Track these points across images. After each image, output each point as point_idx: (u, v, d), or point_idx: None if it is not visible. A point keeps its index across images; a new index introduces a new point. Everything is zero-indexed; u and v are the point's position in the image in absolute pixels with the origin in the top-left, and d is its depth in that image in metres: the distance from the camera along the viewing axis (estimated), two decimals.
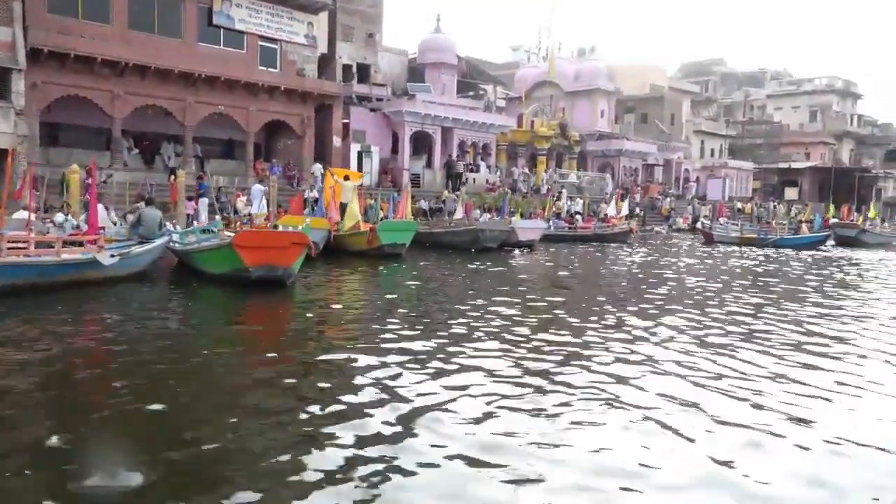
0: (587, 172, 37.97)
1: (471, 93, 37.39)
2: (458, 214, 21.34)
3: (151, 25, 21.09)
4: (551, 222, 23.41)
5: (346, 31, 31.78)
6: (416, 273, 13.93)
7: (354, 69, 32.09)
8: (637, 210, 34.77)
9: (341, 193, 17.86)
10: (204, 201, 19.21)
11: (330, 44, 30.45)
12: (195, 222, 17.11)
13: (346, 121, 27.85)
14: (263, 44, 23.55)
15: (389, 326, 7.77)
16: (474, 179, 30.51)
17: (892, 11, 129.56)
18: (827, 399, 5.14)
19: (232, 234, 9.72)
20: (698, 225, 31.93)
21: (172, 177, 19.07)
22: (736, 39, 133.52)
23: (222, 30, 22.47)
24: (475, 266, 14.67)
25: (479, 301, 9.50)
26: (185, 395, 4.98)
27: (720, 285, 12.40)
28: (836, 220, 31.30)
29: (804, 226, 26.54)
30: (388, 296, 10.89)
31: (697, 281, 13.01)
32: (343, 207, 17.32)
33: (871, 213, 33.57)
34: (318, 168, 24.09)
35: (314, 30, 24.91)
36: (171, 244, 11.40)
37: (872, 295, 11.74)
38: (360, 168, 28.22)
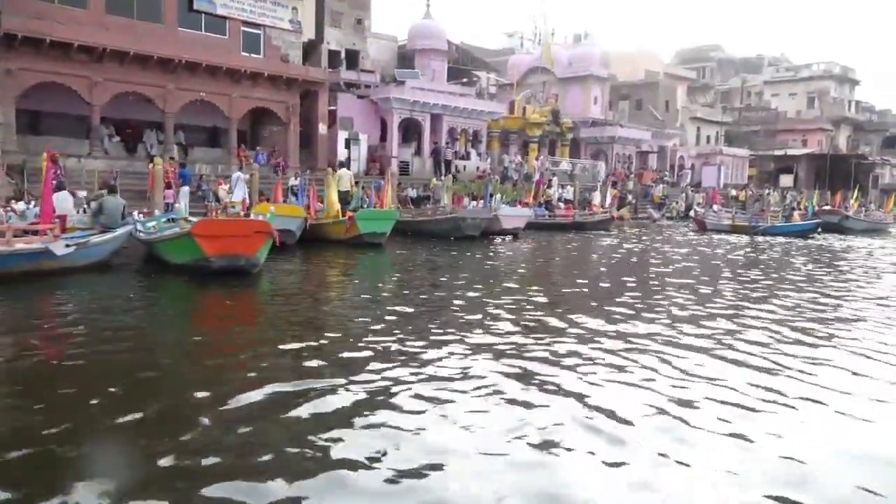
0: (579, 160, 37.63)
1: (464, 79, 36.97)
2: (445, 202, 21.02)
3: (130, 10, 20.68)
4: (533, 210, 23.08)
5: (335, 17, 31.34)
6: (392, 262, 13.72)
7: (343, 55, 31.68)
8: (630, 198, 34.48)
9: (338, 182, 17.63)
10: (185, 190, 18.95)
11: (318, 30, 30.02)
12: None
13: (332, 108, 27.49)
14: (246, 29, 23.13)
15: (353, 316, 7.58)
16: (465, 167, 30.20)
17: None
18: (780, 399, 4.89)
19: (192, 223, 9.44)
20: (691, 213, 31.61)
21: (150, 164, 18.75)
22: (733, 25, 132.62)
23: (203, 15, 22.05)
24: (454, 255, 14.42)
25: (448, 292, 9.25)
26: (130, 390, 4.72)
27: (688, 279, 12.14)
28: (827, 207, 31.43)
29: (796, 213, 26.24)
30: (358, 285, 10.68)
31: (667, 271, 12.75)
32: (342, 196, 17.12)
33: (852, 201, 33.52)
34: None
35: (299, 15, 24.48)
36: (137, 233, 11.11)
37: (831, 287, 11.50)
38: (347, 156, 27.95)
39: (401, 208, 21.90)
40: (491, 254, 14.81)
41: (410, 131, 30.48)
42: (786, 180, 49.17)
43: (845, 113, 60.71)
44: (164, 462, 3.47)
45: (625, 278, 11.39)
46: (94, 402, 4.37)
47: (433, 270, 12.25)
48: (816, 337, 6.85)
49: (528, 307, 8.14)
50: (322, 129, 25.84)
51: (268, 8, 23.41)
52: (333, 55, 31.36)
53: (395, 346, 6.03)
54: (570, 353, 5.86)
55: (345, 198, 16.30)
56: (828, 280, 11.75)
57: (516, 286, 10.16)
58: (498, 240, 17.90)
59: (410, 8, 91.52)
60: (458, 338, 6.35)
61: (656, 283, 10.73)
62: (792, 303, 8.97)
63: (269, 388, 4.67)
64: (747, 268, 13.48)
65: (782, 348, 6.26)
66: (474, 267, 12.64)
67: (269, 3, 23.37)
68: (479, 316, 7.44)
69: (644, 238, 21.27)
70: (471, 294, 9.04)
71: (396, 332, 6.64)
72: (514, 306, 8.12)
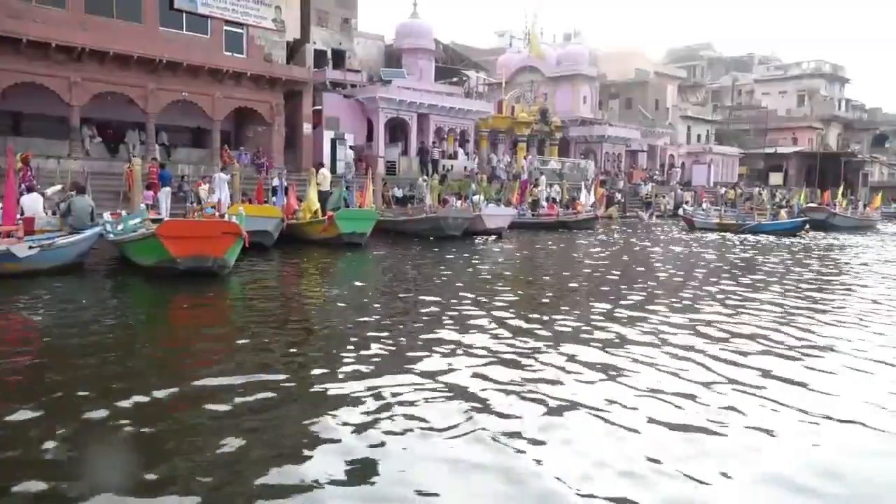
0: (569, 159, 37.53)
1: (454, 79, 36.85)
2: (429, 202, 20.87)
3: (109, 9, 20.45)
4: (517, 210, 22.94)
5: (321, 16, 31.15)
6: (369, 263, 13.55)
7: (329, 55, 31.49)
8: (619, 197, 34.40)
9: (320, 182, 17.48)
10: (166, 190, 18.76)
11: (303, 29, 29.84)
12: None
13: (318, 108, 27.32)
14: (229, 28, 22.93)
15: (322, 320, 7.44)
16: (452, 167, 30.06)
17: None
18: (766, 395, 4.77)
19: (156, 224, 9.27)
20: (680, 211, 31.54)
21: (128, 165, 18.56)
22: (724, 24, 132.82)
23: (185, 14, 21.84)
24: (433, 256, 14.28)
25: (423, 294, 9.10)
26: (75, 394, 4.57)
27: (664, 274, 12.03)
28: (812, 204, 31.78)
29: (782, 211, 26.20)
30: (331, 287, 10.53)
31: (640, 270, 12.64)
32: (323, 196, 16.96)
33: (838, 198, 33.76)
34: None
35: (283, 14, 24.28)
36: (107, 235, 10.94)
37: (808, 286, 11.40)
38: (333, 156, 27.79)
39: (386, 208, 21.82)
40: (469, 254, 14.67)
41: (397, 131, 30.33)
42: (775, 178, 49.24)
43: (835, 111, 60.88)
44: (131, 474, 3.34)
45: (597, 278, 11.28)
46: (31, 414, 4.21)
47: (410, 272, 12.10)
48: (772, 339, 6.74)
49: (501, 308, 7.98)
50: (307, 128, 25.67)
51: (251, 7, 23.21)
52: (320, 55, 31.17)
53: (359, 349, 5.91)
54: (538, 355, 5.74)
55: (325, 197, 16.11)
56: (798, 277, 11.65)
57: (491, 287, 10.03)
58: (480, 240, 17.74)
59: (398, 7, 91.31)
60: (430, 341, 6.22)
61: (625, 285, 10.60)
62: (755, 301, 8.86)
63: (224, 394, 4.54)
64: (724, 267, 13.37)
65: (744, 347, 6.16)
66: (452, 268, 12.50)
67: (252, 1, 23.17)
68: (452, 318, 7.31)
69: (627, 237, 21.16)
70: (445, 295, 8.90)
71: (364, 334, 6.53)
72: (486, 307, 7.98)
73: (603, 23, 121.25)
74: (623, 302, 8.63)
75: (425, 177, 23.68)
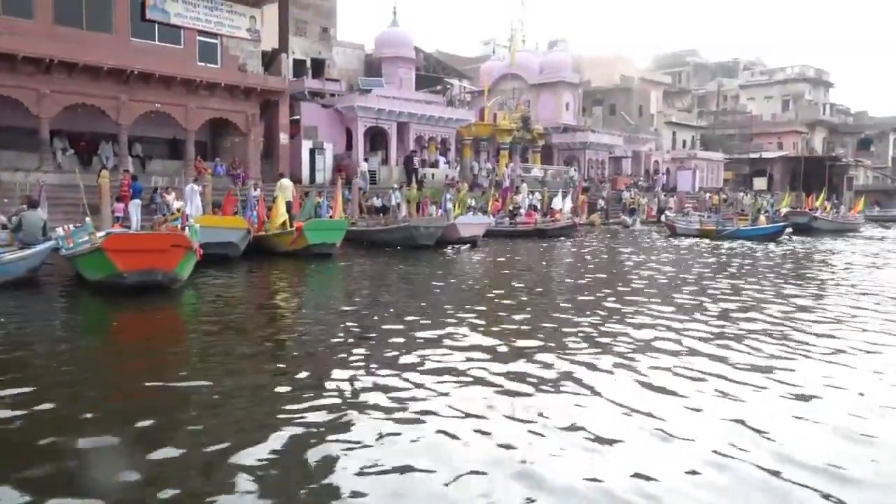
0: (551, 166, 37.46)
1: (437, 87, 36.76)
2: (404, 211, 20.70)
3: (79, 20, 20.25)
4: (493, 218, 22.79)
5: (299, 26, 31.10)
6: (336, 275, 13.35)
7: (308, 64, 31.42)
8: (601, 203, 34.31)
9: (285, 193, 17.27)
10: (136, 202, 18.52)
11: (281, 38, 29.76)
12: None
13: (296, 117, 27.18)
14: (202, 38, 22.74)
15: (277, 335, 7.23)
16: (433, 175, 29.92)
17: (865, 1, 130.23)
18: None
19: (101, 238, 9.02)
20: (663, 217, 31.51)
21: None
22: (709, 30, 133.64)
23: (157, 24, 21.64)
24: (403, 266, 14.11)
25: (386, 308, 8.91)
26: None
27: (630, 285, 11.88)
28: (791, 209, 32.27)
29: (762, 217, 26.14)
30: (293, 300, 10.31)
31: (601, 278, 12.49)
32: (287, 207, 16.74)
33: (818, 202, 34.02)
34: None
35: (258, 23, 24.12)
36: (61, 250, 10.68)
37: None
38: (312, 165, 27.63)
39: (360, 218, 21.63)
40: (436, 266, 14.47)
41: (378, 140, 30.20)
42: (759, 183, 49.33)
43: (820, 116, 61.11)
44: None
45: (562, 287, 11.12)
46: None
47: (373, 285, 11.90)
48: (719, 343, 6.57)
49: (463, 321, 7.75)
50: (283, 138, 25.49)
51: (224, 17, 23.02)
52: (299, 64, 31.08)
53: (310, 364, 5.76)
54: (492, 368, 5.54)
55: (287, 208, 15.91)
56: (749, 283, 11.51)
57: (457, 299, 9.83)
58: (450, 249, 17.51)
59: (378, 16, 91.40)
60: (388, 357, 6.02)
61: (587, 292, 10.44)
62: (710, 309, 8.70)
63: (154, 412, 4.34)
64: (690, 273, 13.23)
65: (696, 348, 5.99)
66: (416, 280, 12.33)
67: (226, 11, 22.98)
68: (411, 333, 7.10)
69: (604, 244, 21.02)
70: (406, 309, 8.75)
71: (318, 348, 6.37)
72: (446, 321, 7.77)
73: (589, 29, 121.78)
74: (575, 312, 8.45)
75: (398, 187, 23.51)
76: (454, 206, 21.34)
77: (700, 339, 6.82)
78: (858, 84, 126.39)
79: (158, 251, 8.90)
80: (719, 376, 5.40)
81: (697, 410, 4.60)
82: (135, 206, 18.35)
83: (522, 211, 25.98)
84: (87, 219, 9.49)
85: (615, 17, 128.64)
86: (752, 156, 52.82)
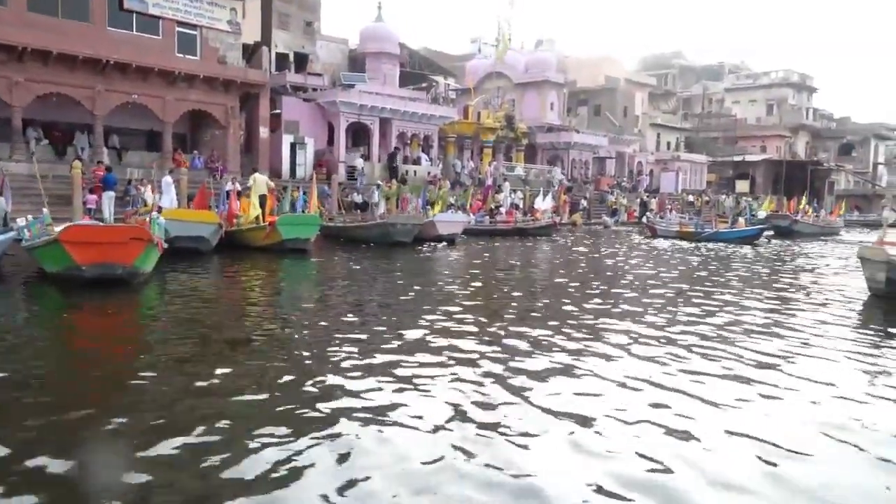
0: (535, 165, 37.44)
1: (423, 84, 36.55)
2: (382, 208, 20.57)
3: (54, 8, 19.91)
4: (473, 216, 22.72)
5: (282, 19, 30.84)
6: (309, 271, 13.22)
7: (291, 58, 31.15)
8: (584, 203, 34.35)
9: (258, 187, 17.05)
10: (110, 194, 18.26)
11: (264, 31, 29.45)
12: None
13: (277, 111, 26.93)
14: (181, 29, 22.44)
15: (239, 335, 7.01)
16: (415, 172, 29.78)
17: (849, 7, 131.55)
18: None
19: (60, 229, 8.83)
20: (644, 219, 31.61)
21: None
22: (695, 32, 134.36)
23: (135, 14, 21.34)
24: (379, 263, 13.99)
25: (356, 307, 8.79)
26: None
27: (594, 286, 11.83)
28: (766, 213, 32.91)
29: (741, 219, 26.27)
30: (261, 296, 10.15)
31: (562, 281, 12.45)
32: (261, 201, 16.53)
33: (799, 205, 34.49)
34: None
35: (238, 16, 23.85)
36: (23, 241, 10.46)
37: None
38: (293, 160, 27.41)
39: (339, 214, 21.49)
40: (412, 263, 14.39)
41: (360, 136, 30.01)
42: (741, 186, 49.64)
43: (803, 120, 61.56)
44: None
45: (531, 288, 11.05)
46: None
47: (346, 280, 11.78)
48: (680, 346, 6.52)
49: (429, 321, 7.63)
50: (263, 132, 25.25)
51: (204, 8, 22.75)
52: (281, 58, 30.80)
53: (268, 365, 5.61)
54: (452, 367, 5.45)
55: (261, 202, 15.74)
56: (706, 286, 11.50)
57: (425, 298, 9.73)
58: (427, 247, 17.40)
59: (363, 11, 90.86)
60: (354, 358, 5.89)
61: (550, 295, 10.38)
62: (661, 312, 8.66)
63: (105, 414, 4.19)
64: (658, 275, 13.22)
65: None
66: (391, 277, 12.23)
67: (206, 3, 22.70)
68: (376, 330, 7.03)
69: (583, 245, 20.99)
70: (375, 309, 8.65)
71: (278, 346, 6.23)
72: (415, 321, 7.67)
73: (577, 30, 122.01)
74: (537, 311, 8.39)
75: (377, 185, 23.37)
76: (434, 204, 21.24)
77: (647, 343, 6.77)
78: (842, 90, 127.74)
79: (117, 244, 8.72)
80: (655, 383, 5.33)
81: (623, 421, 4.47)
82: (108, 198, 18.12)
83: (503, 210, 25.92)
84: (45, 210, 9.30)
85: (603, 18, 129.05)
86: (736, 158, 53.15)
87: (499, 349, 6.26)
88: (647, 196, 38.88)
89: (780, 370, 5.73)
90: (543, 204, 25.66)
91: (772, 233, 29.88)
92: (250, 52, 26.89)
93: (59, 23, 19.89)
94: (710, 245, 21.53)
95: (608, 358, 6.01)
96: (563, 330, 7.22)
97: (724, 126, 59.05)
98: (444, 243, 18.38)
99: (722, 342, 6.76)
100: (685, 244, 21.74)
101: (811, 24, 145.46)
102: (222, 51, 23.57)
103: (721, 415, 4.59)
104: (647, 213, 32.04)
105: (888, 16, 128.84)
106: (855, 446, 4.06)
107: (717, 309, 8.80)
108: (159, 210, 14.50)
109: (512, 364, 5.69)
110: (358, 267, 13.57)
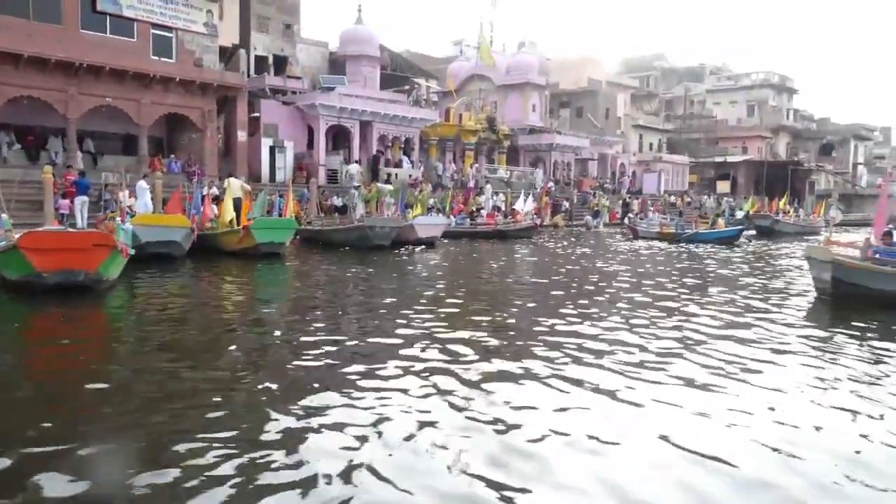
0: (517, 167, 37.41)
1: (406, 86, 36.39)
2: (360, 211, 20.41)
3: (26, 10, 19.56)
4: (452, 218, 22.60)
5: (261, 22, 30.62)
6: (280, 275, 13.05)
7: (271, 61, 30.94)
8: (565, 205, 34.33)
9: (233, 190, 16.85)
10: (83, 199, 17.98)
11: (242, 34, 29.21)
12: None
13: (256, 115, 26.71)
14: (156, 32, 22.16)
15: (208, 346, 6.83)
16: (396, 175, 29.61)
17: (828, 9, 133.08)
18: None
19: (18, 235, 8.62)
20: (626, 220, 31.66)
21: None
22: (677, 34, 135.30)
23: (109, 16, 21.05)
24: (356, 267, 13.84)
25: (331, 312, 8.65)
26: None
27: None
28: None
29: (720, 220, 26.38)
30: (227, 301, 9.97)
31: (540, 283, 12.38)
32: (235, 203, 16.33)
33: (780, 204, 34.86)
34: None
35: (214, 18, 23.62)
36: None
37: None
38: (272, 164, 27.19)
39: (316, 217, 21.29)
40: (388, 267, 14.25)
41: (340, 139, 29.83)
42: (722, 186, 49.94)
43: (783, 121, 62.10)
44: None
45: (503, 290, 10.95)
46: None
47: (318, 285, 11.65)
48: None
49: (406, 327, 7.50)
50: (241, 136, 25.00)
51: (180, 10, 22.49)
52: (261, 61, 30.58)
53: (232, 376, 5.48)
54: (430, 374, 5.33)
55: (237, 205, 15.54)
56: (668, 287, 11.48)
57: (401, 302, 9.61)
58: (405, 250, 17.26)
59: (343, 14, 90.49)
60: (321, 366, 5.79)
61: (526, 296, 10.29)
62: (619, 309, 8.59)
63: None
64: (633, 275, 13.18)
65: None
66: (366, 281, 12.08)
67: (182, 5, 22.46)
68: (345, 337, 6.90)
69: (563, 247, 20.93)
70: (349, 314, 8.52)
71: (248, 357, 6.09)
72: (389, 326, 7.54)
73: (559, 32, 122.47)
74: (511, 315, 8.29)
75: (356, 188, 23.21)
76: (414, 207, 21.11)
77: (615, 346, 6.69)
78: (822, 91, 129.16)
79: (79, 250, 8.52)
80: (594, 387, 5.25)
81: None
82: (80, 204, 17.85)
83: (484, 212, 25.83)
84: (3, 215, 9.07)
85: (585, 20, 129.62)
86: (717, 159, 53.49)
87: (455, 355, 6.15)
88: (629, 197, 38.95)
89: (713, 375, 5.61)
90: (524, 206, 25.58)
91: (754, 233, 30.25)
92: (228, 55, 26.66)
93: (30, 25, 19.56)
94: (689, 246, 21.56)
95: (549, 360, 5.92)
96: (508, 334, 7.13)
97: (705, 127, 59.43)
98: (423, 246, 18.24)
99: (657, 346, 6.62)
100: (664, 245, 21.75)
101: (792, 25, 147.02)
102: (198, 53, 23.31)
103: (642, 421, 4.49)
104: (629, 215, 32.09)
105: (867, 17, 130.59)
106: (775, 449, 4.01)
107: (662, 312, 8.63)
108: (131, 215, 14.32)
109: (459, 369, 5.58)
110: (332, 271, 13.42)
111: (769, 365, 5.97)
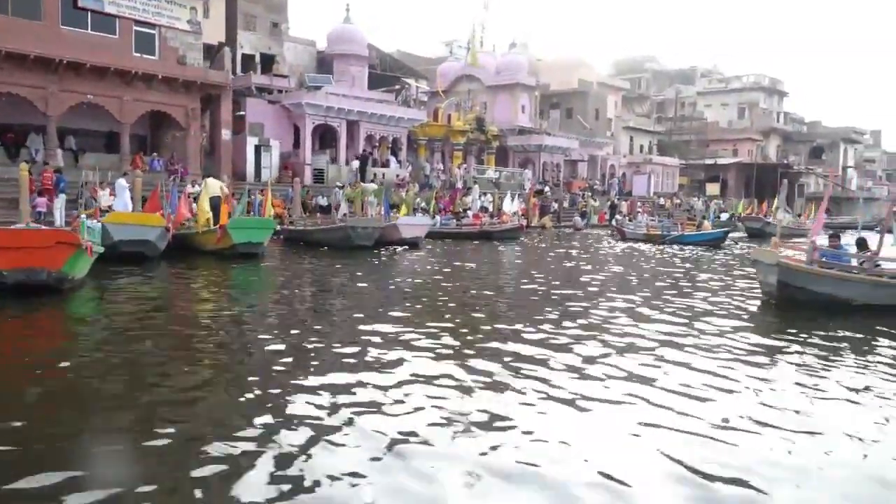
0: (506, 168, 37.30)
1: (396, 86, 36.24)
2: (343, 211, 20.24)
3: (4, 6, 19.30)
4: (437, 219, 22.44)
5: (248, 20, 30.43)
6: (256, 276, 12.85)
7: (258, 59, 30.75)
8: (555, 206, 34.24)
9: (210, 190, 16.61)
10: (61, 197, 17.75)
11: (229, 32, 29.00)
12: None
13: (241, 113, 26.51)
14: (139, 28, 21.92)
15: (162, 343, 6.65)
16: (384, 175, 29.46)
17: (818, 12, 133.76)
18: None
19: None
20: (613, 222, 31.60)
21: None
22: (669, 37, 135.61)
23: (90, 12, 20.81)
24: (333, 268, 13.68)
25: (306, 316, 8.48)
26: None
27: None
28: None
29: (706, 223, 26.32)
30: (197, 303, 9.77)
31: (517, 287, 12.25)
32: (214, 202, 16.10)
33: (772, 208, 34.98)
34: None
35: (198, 15, 23.40)
36: None
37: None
38: (258, 163, 26.99)
39: (300, 217, 21.10)
40: (370, 267, 14.08)
41: (327, 138, 29.65)
42: (712, 189, 50.00)
43: (774, 124, 62.25)
44: None
45: (478, 292, 10.81)
46: None
47: (294, 286, 11.48)
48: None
49: (371, 331, 7.33)
50: (226, 134, 24.78)
51: (164, 7, 22.26)
52: (247, 59, 30.40)
53: (190, 381, 5.30)
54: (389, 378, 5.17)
55: (215, 204, 15.33)
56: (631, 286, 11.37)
57: (376, 303, 9.46)
58: (387, 251, 17.08)
59: (332, 13, 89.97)
60: (285, 371, 5.64)
61: (491, 300, 10.15)
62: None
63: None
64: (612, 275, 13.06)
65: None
66: (344, 282, 11.91)
67: (165, 1, 22.21)
68: (314, 340, 6.74)
69: (547, 248, 20.81)
70: (321, 316, 8.36)
71: (197, 358, 5.90)
72: (362, 330, 7.37)
73: (552, 33, 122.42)
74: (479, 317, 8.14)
75: (340, 187, 23.04)
76: (401, 207, 20.97)
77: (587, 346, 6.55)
78: (813, 94, 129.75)
79: (41, 248, 8.31)
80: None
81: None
82: (59, 202, 17.62)
83: (471, 213, 25.69)
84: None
85: (578, 22, 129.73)
86: (708, 162, 53.57)
87: (431, 355, 6.00)
88: (618, 199, 38.92)
89: (651, 378, 5.45)
90: (511, 207, 25.46)
91: (745, 234, 30.28)
92: (214, 53, 26.45)
93: (8, 21, 19.30)
94: (673, 248, 21.47)
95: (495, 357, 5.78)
96: (475, 337, 6.98)
97: (696, 129, 59.53)
98: (407, 247, 18.08)
99: (588, 352, 6.38)
100: (649, 247, 21.64)
101: (783, 28, 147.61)
102: (182, 51, 23.09)
103: (566, 432, 4.33)
104: (617, 216, 32.04)
105: (858, 20, 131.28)
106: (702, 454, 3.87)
107: (612, 314, 8.51)
108: (104, 213, 14.11)
109: (430, 373, 5.43)
110: (310, 272, 13.25)
111: (696, 372, 5.71)
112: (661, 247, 21.83)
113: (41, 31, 19.79)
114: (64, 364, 5.68)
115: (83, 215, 11.35)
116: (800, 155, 63.22)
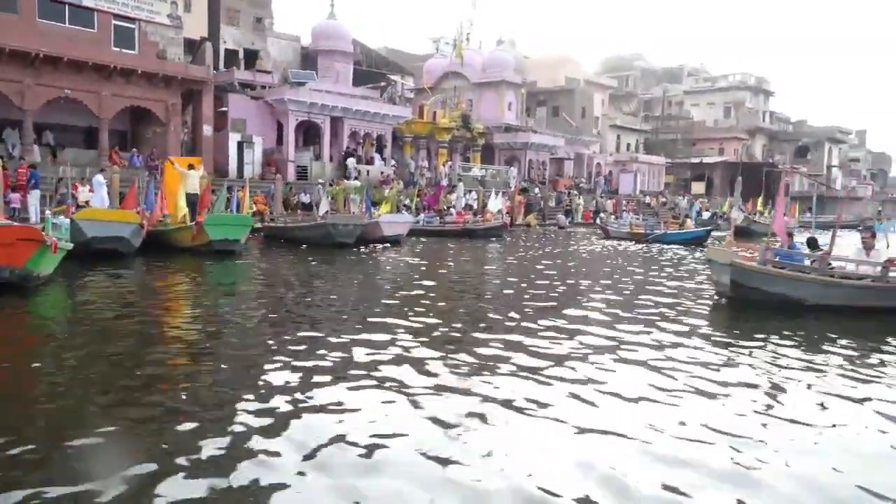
0: (492, 166, 37.23)
1: (382, 83, 36.07)
2: (324, 208, 20.08)
3: None
4: (421, 216, 22.32)
5: (231, 15, 30.16)
6: (231, 274, 12.67)
7: (241, 55, 30.49)
8: (541, 204, 34.23)
9: (186, 184, 16.38)
10: (35, 193, 17.48)
11: (211, 27, 28.74)
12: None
13: (223, 109, 26.26)
14: (118, 22, 21.67)
15: (127, 343, 6.49)
16: (368, 172, 29.30)
17: (805, 11, 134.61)
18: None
19: None
20: (598, 220, 31.62)
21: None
22: (657, 35, 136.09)
23: (68, 6, 20.53)
24: (310, 266, 13.53)
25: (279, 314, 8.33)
26: None
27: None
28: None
29: (689, 221, 26.35)
30: (167, 301, 9.59)
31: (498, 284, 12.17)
32: (192, 199, 15.89)
33: (759, 206, 35.15)
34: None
35: (179, 9, 23.14)
36: None
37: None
38: (240, 160, 26.76)
39: (281, 214, 20.95)
40: (348, 265, 13.94)
41: (311, 135, 29.45)
42: (697, 187, 50.16)
43: (759, 123, 62.55)
44: None
45: (449, 291, 10.70)
46: None
47: (268, 284, 11.31)
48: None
49: (347, 328, 7.20)
50: (207, 130, 24.54)
51: (143, 1, 22.01)
52: (231, 54, 30.14)
53: (154, 382, 5.14)
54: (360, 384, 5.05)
55: (193, 200, 15.14)
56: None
57: (352, 300, 9.32)
58: (368, 248, 16.95)
59: (317, 8, 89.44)
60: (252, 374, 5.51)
61: (463, 300, 10.04)
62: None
63: None
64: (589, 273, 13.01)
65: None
66: (317, 281, 11.78)
67: None
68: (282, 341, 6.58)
69: (530, 246, 20.73)
70: (293, 315, 8.24)
71: (175, 364, 5.74)
72: (336, 329, 7.23)
73: (539, 31, 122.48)
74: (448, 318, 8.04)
75: (321, 184, 22.88)
76: (382, 204, 20.84)
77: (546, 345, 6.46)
78: (799, 93, 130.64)
79: (2, 246, 8.13)
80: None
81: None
82: (33, 197, 17.34)
83: (454, 210, 25.59)
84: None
85: (566, 19, 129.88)
86: (694, 160, 53.73)
87: (405, 357, 5.90)
88: (603, 197, 38.97)
89: (597, 379, 5.37)
90: (496, 205, 25.39)
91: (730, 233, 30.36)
92: (196, 48, 26.20)
93: None
94: (655, 246, 21.45)
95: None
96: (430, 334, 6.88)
97: (682, 128, 59.71)
98: (388, 244, 17.95)
99: (547, 351, 6.31)
100: (631, 245, 21.63)
101: (770, 27, 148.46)
102: (162, 45, 22.83)
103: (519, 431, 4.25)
104: (601, 215, 32.05)
105: (844, 21, 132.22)
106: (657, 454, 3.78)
107: (574, 312, 8.41)
108: (76, 209, 13.91)
109: (403, 377, 5.32)
110: (287, 269, 13.09)
111: (645, 373, 5.60)
112: (643, 245, 21.82)
113: (18, 24, 19.52)
114: (20, 366, 5.53)
115: (48, 212, 11.13)
116: (785, 154, 63.56)
